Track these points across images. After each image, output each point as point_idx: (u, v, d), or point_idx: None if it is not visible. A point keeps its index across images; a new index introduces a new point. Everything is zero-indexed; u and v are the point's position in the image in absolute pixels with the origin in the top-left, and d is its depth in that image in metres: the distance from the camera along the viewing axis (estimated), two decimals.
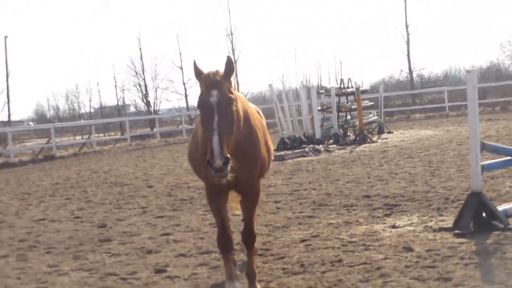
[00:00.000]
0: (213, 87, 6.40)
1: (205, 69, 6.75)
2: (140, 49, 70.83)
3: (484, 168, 10.42)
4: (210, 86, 6.41)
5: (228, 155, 6.08)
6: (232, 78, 6.79)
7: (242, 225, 8.57)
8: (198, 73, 6.72)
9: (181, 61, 67.60)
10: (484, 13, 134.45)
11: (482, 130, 9.84)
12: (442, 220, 10.95)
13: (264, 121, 8.88)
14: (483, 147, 10.45)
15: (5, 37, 70.99)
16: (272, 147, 9.06)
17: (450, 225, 10.36)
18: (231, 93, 6.54)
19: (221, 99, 6.31)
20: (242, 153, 6.96)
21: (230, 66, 6.65)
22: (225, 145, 6.13)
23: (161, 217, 14.08)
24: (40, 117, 77.20)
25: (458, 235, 9.77)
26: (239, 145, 6.88)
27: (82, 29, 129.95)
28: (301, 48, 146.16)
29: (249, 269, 7.85)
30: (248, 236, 7.83)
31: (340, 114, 32.20)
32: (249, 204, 7.78)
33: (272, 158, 9.20)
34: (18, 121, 65.59)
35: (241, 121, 6.99)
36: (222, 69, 6.87)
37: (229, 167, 6.14)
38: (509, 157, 11.23)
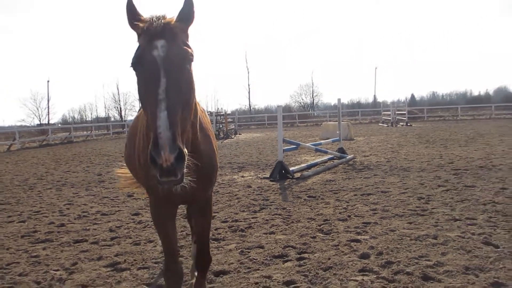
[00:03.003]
0: (158, 36, 2.33)
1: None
2: (118, 88, 72.72)
3: (284, 150, 11.09)
4: (154, 35, 2.33)
5: (183, 147, 2.15)
6: (191, 30, 2.57)
7: (193, 247, 4.42)
8: (134, 17, 2.48)
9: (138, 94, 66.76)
10: (283, 72, 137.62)
11: (283, 133, 10.49)
12: (264, 174, 11.29)
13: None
14: (283, 140, 11.22)
15: (48, 81, 67.20)
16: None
17: (268, 176, 10.74)
18: (188, 47, 2.44)
19: (172, 53, 2.31)
20: (199, 161, 2.80)
21: (188, 9, 2.50)
22: (179, 128, 2.18)
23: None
24: (64, 122, 74.02)
25: (271, 181, 10.19)
26: (195, 150, 2.76)
27: (90, 78, 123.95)
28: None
29: None
30: (204, 259, 3.58)
31: (217, 124, 32.57)
32: (204, 220, 3.45)
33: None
34: (53, 124, 62.25)
35: (197, 113, 2.85)
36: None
37: (184, 167, 2.17)
38: (294, 146, 12.09)
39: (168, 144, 2.04)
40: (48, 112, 65.54)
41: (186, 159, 2.12)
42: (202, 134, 3.01)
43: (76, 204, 8.70)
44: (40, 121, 65.20)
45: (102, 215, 7.56)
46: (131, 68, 2.35)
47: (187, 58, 2.37)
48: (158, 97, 2.15)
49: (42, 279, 4.58)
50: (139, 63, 2.31)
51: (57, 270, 4.85)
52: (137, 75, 2.35)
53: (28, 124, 62.56)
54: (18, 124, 62.65)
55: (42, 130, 43.65)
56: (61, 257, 5.28)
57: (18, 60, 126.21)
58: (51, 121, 66.62)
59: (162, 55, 2.27)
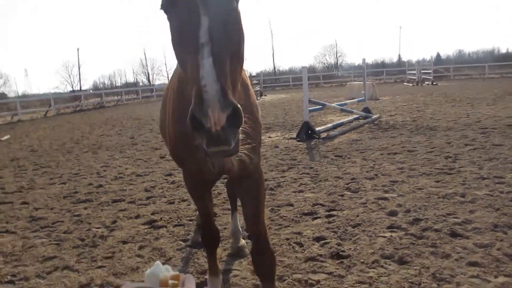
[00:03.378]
0: None
1: None
2: (145, 54, 74.36)
3: (309, 111, 11.05)
4: None
5: (237, 103, 1.42)
6: None
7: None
8: None
9: (165, 58, 68.86)
10: (306, 34, 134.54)
11: (312, 94, 10.33)
12: (291, 134, 11.20)
13: None
14: (309, 101, 11.11)
15: (78, 49, 68.31)
16: None
17: (294, 136, 10.69)
18: None
19: None
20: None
21: None
22: (228, 80, 1.50)
23: (160, 133, 13.92)
24: (95, 88, 75.25)
25: (298, 141, 10.15)
26: None
27: (118, 44, 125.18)
28: None
29: None
30: (265, 257, 2.56)
31: None
32: (256, 201, 2.51)
33: None
34: (85, 90, 62.92)
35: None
36: None
37: (239, 133, 1.50)
38: (320, 106, 11.97)
39: (218, 98, 1.39)
40: (80, 78, 66.84)
41: (242, 120, 1.46)
42: (245, 91, 2.33)
43: (111, 166, 8.92)
44: (72, 87, 66.63)
45: (137, 176, 7.74)
46: (162, 12, 1.77)
47: None
48: (199, 41, 1.51)
49: (85, 236, 4.77)
50: (171, 2, 1.68)
51: (99, 227, 5.04)
52: (169, 18, 1.74)
53: (61, 91, 64.07)
54: (53, 91, 64.25)
55: (75, 96, 44.47)
56: (101, 216, 5.48)
57: (49, 30, 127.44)
58: (83, 88, 67.94)
59: None
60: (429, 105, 16.52)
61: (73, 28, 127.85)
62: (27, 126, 22.09)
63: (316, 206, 5.11)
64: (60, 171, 8.78)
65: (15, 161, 10.54)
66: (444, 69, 47.50)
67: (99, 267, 3.94)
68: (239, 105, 1.43)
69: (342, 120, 12.73)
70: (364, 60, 14.83)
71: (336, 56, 72.52)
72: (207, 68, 1.44)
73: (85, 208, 5.89)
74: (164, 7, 1.73)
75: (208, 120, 1.38)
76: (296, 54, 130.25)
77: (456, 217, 4.40)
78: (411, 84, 35.41)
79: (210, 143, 1.44)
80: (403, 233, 4.12)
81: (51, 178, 8.14)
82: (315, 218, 4.74)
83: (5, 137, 16.65)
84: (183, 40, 1.62)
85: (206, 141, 1.44)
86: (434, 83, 33.51)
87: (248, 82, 2.54)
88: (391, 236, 4.07)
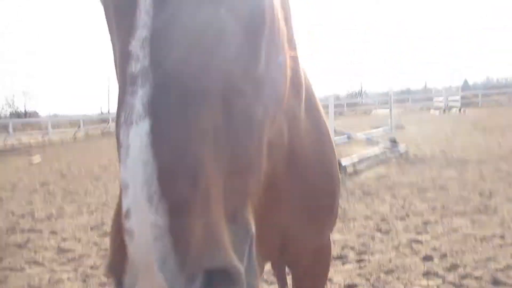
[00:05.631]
0: None
1: None
2: None
3: (335, 141, 10.89)
4: None
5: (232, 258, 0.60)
6: None
7: None
8: None
9: None
10: (330, 62, 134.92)
11: (336, 123, 10.18)
12: None
13: None
14: (334, 131, 10.96)
15: (108, 78, 70.52)
16: None
17: None
18: None
19: None
20: (305, 174, 1.20)
21: None
22: (212, 198, 0.62)
23: None
24: None
25: None
26: (293, 153, 1.16)
27: None
28: None
29: None
30: None
31: None
32: (318, 281, 1.68)
33: None
34: (113, 113, 64.24)
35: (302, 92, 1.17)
36: None
37: None
38: (346, 135, 11.81)
39: (162, 263, 0.65)
40: (109, 103, 68.94)
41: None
42: (310, 117, 1.41)
43: None
44: (101, 110, 68.54)
45: None
46: None
47: None
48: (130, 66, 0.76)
49: None
50: None
51: None
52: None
53: (90, 114, 66.17)
54: (82, 114, 66.31)
55: (102, 118, 45.40)
56: None
57: (79, 57, 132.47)
58: (112, 111, 69.80)
59: None
60: (458, 135, 16.12)
61: (104, 58, 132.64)
62: (57, 147, 22.61)
63: (345, 250, 4.93)
64: (88, 199, 8.85)
65: (45, 186, 10.71)
66: (472, 95, 46.55)
67: None
68: (237, 264, 0.69)
69: (368, 151, 12.42)
70: (391, 88, 14.68)
71: (361, 84, 72.49)
72: (132, 164, 0.67)
73: None
74: None
75: None
76: (320, 82, 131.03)
77: (497, 262, 4.18)
78: (438, 112, 34.74)
79: None
80: (440, 280, 3.92)
81: (79, 206, 8.20)
82: (345, 263, 4.56)
83: (36, 161, 17.03)
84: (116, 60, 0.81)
85: None
86: (462, 110, 32.76)
87: (321, 111, 1.52)
88: (428, 284, 3.87)
